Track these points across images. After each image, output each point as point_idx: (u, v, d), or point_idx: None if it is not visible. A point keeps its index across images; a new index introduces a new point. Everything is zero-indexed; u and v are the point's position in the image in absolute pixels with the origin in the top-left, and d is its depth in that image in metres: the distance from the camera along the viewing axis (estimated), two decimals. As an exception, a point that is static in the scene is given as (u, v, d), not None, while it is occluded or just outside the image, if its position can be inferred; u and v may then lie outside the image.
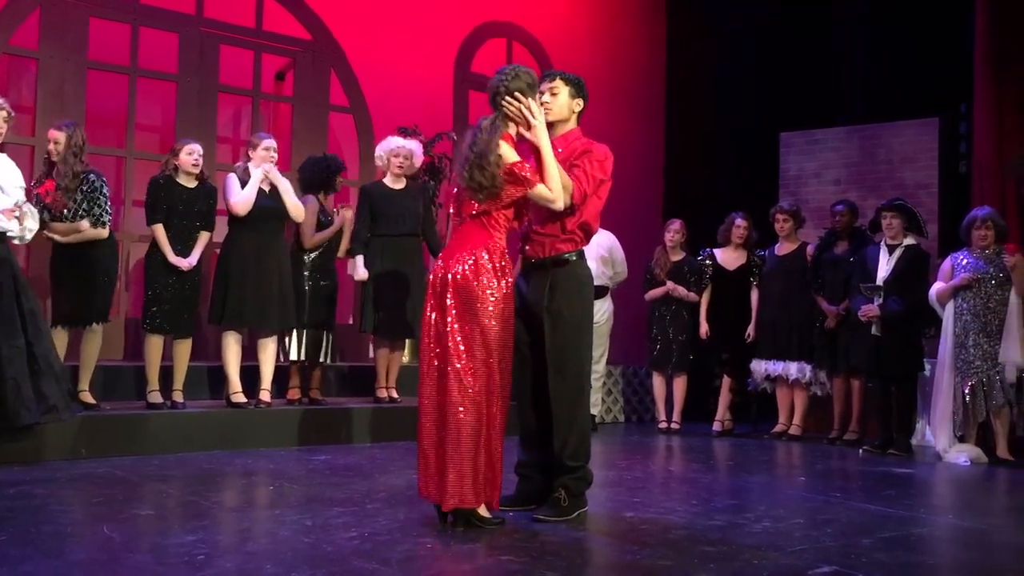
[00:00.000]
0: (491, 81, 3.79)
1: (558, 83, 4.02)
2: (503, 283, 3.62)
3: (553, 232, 3.91)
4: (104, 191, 5.38)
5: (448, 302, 3.58)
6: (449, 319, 3.57)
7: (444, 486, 3.52)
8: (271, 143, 5.84)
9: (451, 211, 3.77)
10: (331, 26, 7.73)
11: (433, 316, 3.63)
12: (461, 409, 3.51)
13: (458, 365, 3.53)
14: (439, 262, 3.71)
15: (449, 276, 3.60)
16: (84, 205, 5.32)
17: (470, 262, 3.59)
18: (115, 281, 5.58)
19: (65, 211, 5.30)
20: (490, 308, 3.56)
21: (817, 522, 3.96)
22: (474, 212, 3.66)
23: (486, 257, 3.60)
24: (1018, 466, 5.92)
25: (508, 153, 3.63)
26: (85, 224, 5.33)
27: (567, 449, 3.87)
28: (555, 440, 3.87)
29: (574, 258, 3.93)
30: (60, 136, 5.33)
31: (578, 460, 3.89)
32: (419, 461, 3.63)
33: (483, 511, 3.60)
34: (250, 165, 5.78)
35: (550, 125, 3.90)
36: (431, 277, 3.70)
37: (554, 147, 3.84)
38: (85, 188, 5.32)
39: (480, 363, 3.55)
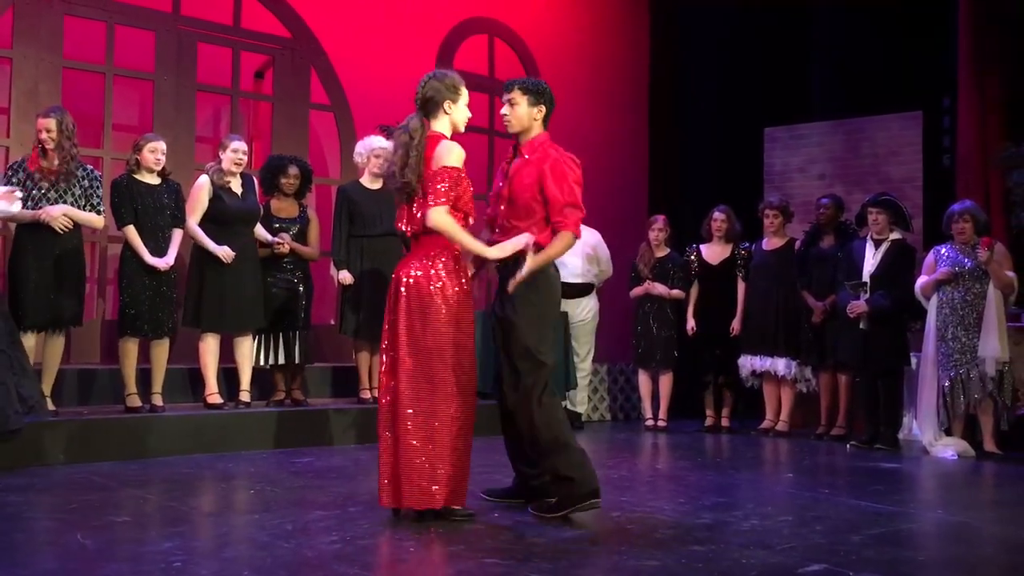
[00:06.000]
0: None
1: (516, 94, 3.98)
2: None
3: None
4: (100, 180, 5.46)
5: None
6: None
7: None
8: (240, 145, 5.80)
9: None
10: (310, 23, 7.63)
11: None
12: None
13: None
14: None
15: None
16: (81, 195, 5.30)
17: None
18: (85, 282, 5.47)
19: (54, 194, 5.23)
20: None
21: (806, 519, 3.92)
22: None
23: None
24: (1005, 459, 5.91)
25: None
26: (87, 212, 5.35)
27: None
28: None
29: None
30: (51, 123, 5.23)
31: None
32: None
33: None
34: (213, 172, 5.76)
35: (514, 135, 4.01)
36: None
37: (521, 154, 3.93)
38: (84, 180, 5.31)
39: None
